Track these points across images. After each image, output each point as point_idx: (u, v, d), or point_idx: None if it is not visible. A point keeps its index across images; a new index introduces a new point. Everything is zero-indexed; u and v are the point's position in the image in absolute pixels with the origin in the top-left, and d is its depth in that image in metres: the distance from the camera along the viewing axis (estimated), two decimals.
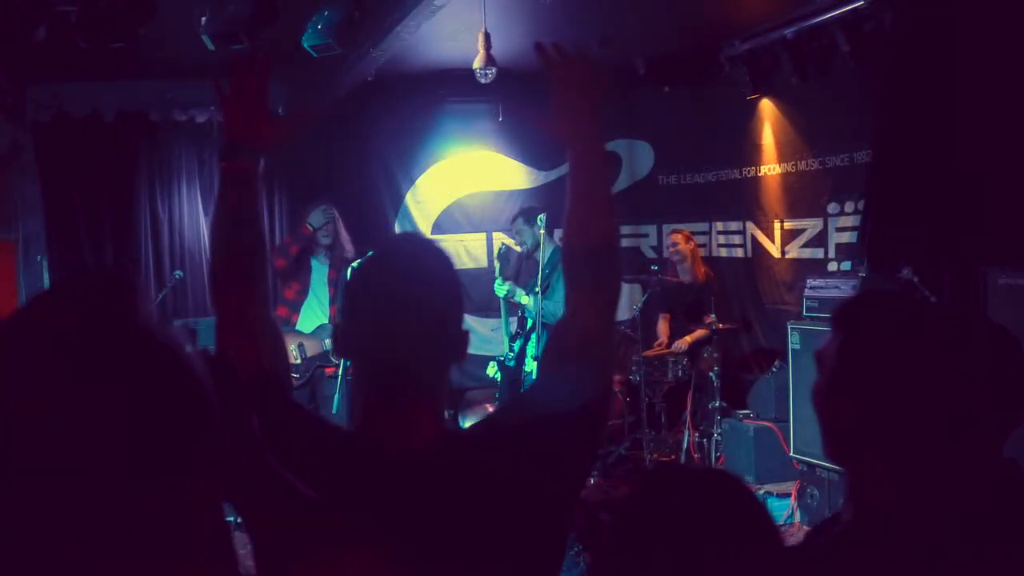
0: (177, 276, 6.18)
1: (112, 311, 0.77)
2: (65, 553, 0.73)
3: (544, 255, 4.58)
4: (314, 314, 5.40)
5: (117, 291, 0.78)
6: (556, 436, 1.40)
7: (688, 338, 6.32)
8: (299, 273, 5.41)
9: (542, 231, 4.55)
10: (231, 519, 4.22)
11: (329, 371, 5.36)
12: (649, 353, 6.34)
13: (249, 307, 1.51)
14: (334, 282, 5.46)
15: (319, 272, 5.46)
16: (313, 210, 5.54)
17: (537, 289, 4.46)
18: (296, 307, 5.33)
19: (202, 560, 0.81)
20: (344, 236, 5.56)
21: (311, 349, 5.23)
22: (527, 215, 5.08)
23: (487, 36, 4.67)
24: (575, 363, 1.45)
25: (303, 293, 5.39)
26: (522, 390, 4.88)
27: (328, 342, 5.28)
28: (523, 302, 5.01)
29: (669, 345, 6.44)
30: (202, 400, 0.80)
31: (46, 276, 6.46)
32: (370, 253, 1.51)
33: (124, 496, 0.75)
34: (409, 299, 1.34)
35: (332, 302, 5.44)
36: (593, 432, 1.50)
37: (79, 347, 0.75)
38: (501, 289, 5.38)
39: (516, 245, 5.68)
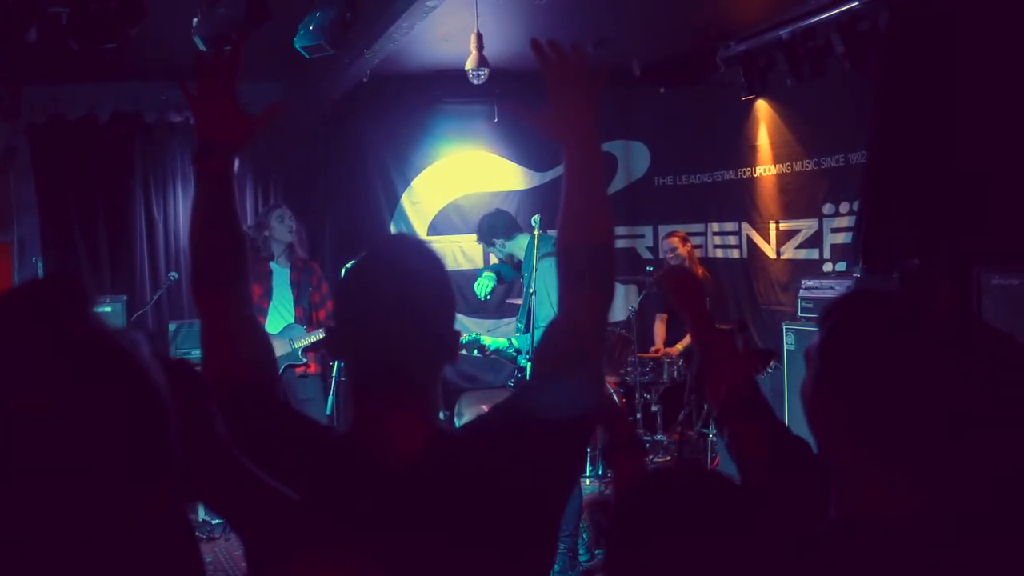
0: (172, 278, 6.18)
1: (63, 316, 0.77)
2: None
3: (527, 257, 4.54)
4: (280, 316, 5.41)
5: (68, 296, 0.79)
6: (549, 442, 1.39)
7: (679, 345, 6.31)
8: (260, 277, 5.39)
9: (536, 231, 4.52)
10: (221, 520, 4.20)
11: (299, 370, 5.37)
12: (644, 355, 6.33)
13: (232, 307, 1.51)
14: (296, 283, 5.46)
15: (280, 275, 5.45)
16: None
17: (532, 290, 4.43)
18: (261, 311, 5.32)
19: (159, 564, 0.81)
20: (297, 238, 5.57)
21: (279, 349, 5.24)
22: (483, 237, 5.01)
23: (479, 37, 4.67)
24: (572, 368, 1.45)
25: (266, 297, 5.38)
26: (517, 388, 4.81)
27: (295, 341, 5.30)
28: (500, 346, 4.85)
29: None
30: (156, 403, 0.80)
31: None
32: (363, 254, 1.51)
33: (81, 497, 0.75)
34: (401, 300, 1.34)
35: (296, 303, 5.43)
36: (585, 439, 1.51)
37: (30, 352, 0.75)
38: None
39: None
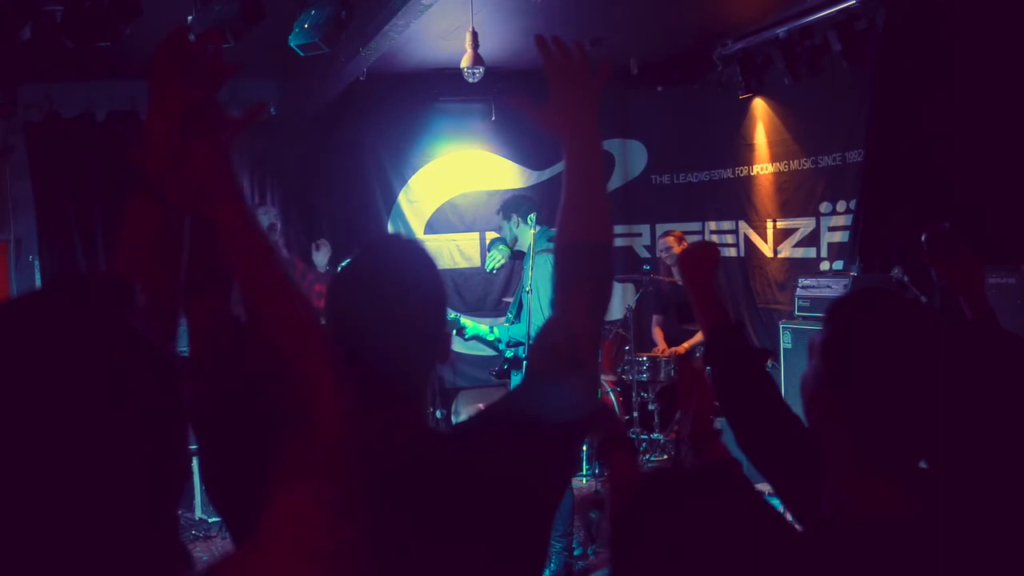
0: None
1: (109, 315, 0.78)
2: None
3: (528, 248, 4.52)
4: None
5: (115, 296, 0.79)
6: (541, 443, 1.39)
7: (686, 344, 6.28)
8: None
9: (532, 230, 4.51)
10: (217, 519, 4.21)
11: None
12: (643, 354, 6.32)
13: (220, 309, 1.49)
14: None
15: None
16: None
17: (528, 289, 4.42)
18: None
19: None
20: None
21: None
22: (505, 209, 4.95)
23: (474, 35, 4.66)
24: (566, 368, 1.43)
25: None
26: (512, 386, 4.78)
27: None
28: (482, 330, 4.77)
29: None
30: (178, 410, 0.81)
31: (38, 276, 6.46)
32: (356, 254, 1.50)
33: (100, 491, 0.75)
34: (393, 300, 1.34)
35: None
36: (578, 440, 1.51)
37: (67, 348, 0.75)
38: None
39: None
